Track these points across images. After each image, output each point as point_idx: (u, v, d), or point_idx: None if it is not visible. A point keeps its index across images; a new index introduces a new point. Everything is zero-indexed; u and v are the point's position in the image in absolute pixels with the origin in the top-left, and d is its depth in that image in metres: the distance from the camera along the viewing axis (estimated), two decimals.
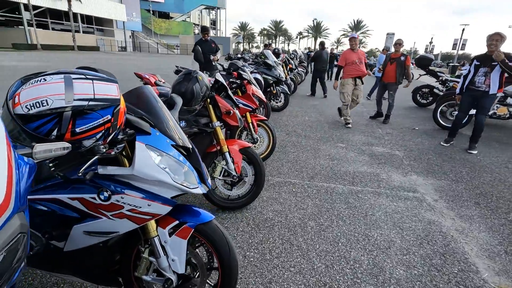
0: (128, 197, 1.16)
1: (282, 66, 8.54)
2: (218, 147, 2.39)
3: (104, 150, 1.03)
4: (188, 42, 43.13)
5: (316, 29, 58.98)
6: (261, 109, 5.15)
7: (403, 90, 7.10)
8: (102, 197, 1.15)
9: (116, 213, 1.17)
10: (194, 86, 2.03)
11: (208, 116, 2.36)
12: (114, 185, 1.16)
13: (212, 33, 67.84)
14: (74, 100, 0.88)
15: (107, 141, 1.04)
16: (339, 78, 5.81)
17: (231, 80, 3.44)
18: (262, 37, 68.33)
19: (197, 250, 1.43)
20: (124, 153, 1.22)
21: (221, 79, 2.47)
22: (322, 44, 9.41)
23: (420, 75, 9.05)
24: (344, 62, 5.60)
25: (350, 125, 5.78)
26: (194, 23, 59.07)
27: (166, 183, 1.19)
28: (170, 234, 1.32)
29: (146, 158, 1.16)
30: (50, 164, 1.03)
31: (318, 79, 9.39)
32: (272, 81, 6.18)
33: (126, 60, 22.83)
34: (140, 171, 1.13)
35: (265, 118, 3.54)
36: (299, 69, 11.45)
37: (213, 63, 5.66)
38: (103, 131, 0.98)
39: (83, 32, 38.24)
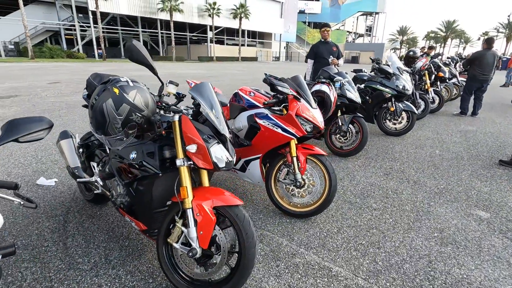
0: None
1: (424, 75, 6.40)
2: (180, 199, 1.53)
3: None
4: None
5: None
6: (353, 131, 3.73)
7: None
8: None
9: None
10: (105, 103, 1.27)
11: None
12: None
13: (366, 39, 63.39)
14: None
15: None
16: None
17: (274, 94, 2.43)
18: (428, 41, 57.25)
19: None
20: None
21: (196, 93, 1.56)
22: (488, 41, 6.16)
23: None
24: None
25: None
26: (348, 31, 57.53)
27: None
28: None
29: None
30: None
31: (473, 91, 6.41)
32: (390, 95, 4.49)
33: (263, 68, 24.42)
34: None
35: (321, 152, 2.29)
36: (460, 78, 8.29)
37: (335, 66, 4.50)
38: None
39: (247, 45, 44.94)
